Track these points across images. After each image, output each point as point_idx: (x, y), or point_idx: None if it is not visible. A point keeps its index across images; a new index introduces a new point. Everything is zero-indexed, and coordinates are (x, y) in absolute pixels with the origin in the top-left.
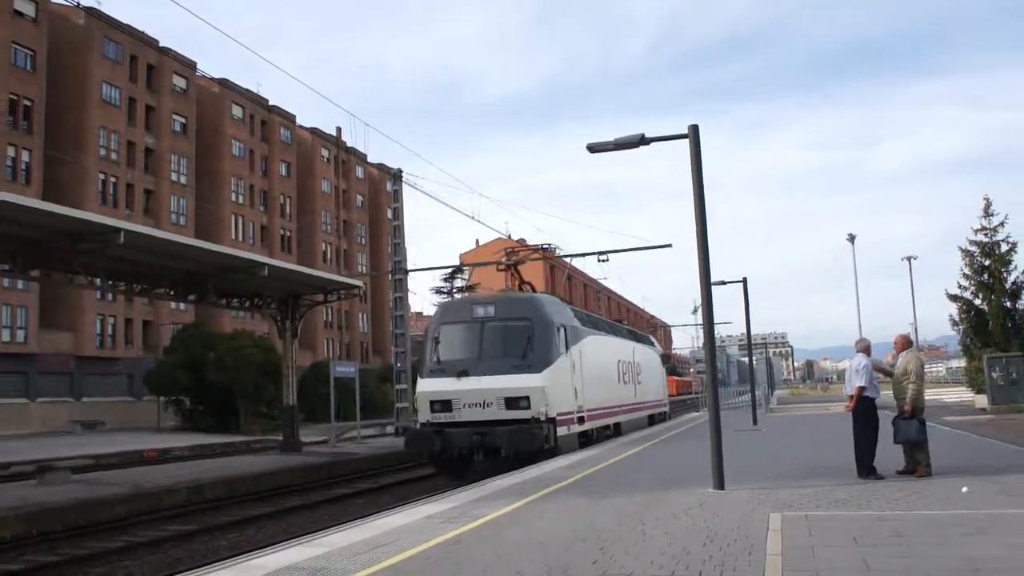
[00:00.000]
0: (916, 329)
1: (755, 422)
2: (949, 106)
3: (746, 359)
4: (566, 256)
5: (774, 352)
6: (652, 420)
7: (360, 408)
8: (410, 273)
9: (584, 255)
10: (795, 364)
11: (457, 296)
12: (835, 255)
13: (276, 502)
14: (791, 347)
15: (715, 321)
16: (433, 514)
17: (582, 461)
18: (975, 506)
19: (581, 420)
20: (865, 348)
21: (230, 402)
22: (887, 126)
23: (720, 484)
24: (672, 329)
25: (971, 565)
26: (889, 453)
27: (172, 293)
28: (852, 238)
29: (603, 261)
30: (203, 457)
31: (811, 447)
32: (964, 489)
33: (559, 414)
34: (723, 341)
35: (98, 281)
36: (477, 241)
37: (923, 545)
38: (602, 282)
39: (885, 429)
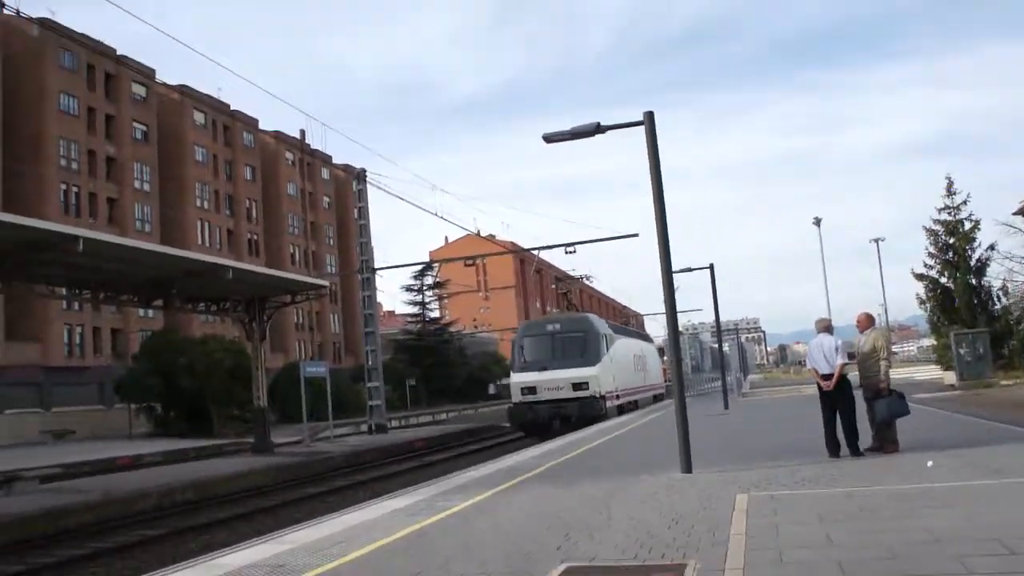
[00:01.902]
0: (886, 309)
1: (726, 407)
2: (911, 89)
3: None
4: (533, 249)
5: (746, 337)
6: (655, 399)
7: (333, 407)
8: (378, 271)
9: (551, 247)
10: (768, 349)
11: (531, 326)
12: (805, 240)
13: (247, 503)
14: (763, 332)
15: (685, 308)
16: (399, 508)
17: (561, 448)
18: (940, 479)
19: (617, 397)
20: (827, 327)
21: (202, 406)
22: (851, 112)
23: (688, 468)
24: (645, 318)
25: (932, 536)
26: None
27: (137, 299)
28: (818, 222)
29: (571, 253)
30: (175, 462)
31: (780, 429)
32: (929, 463)
33: (606, 392)
34: (695, 328)
35: (64, 291)
36: (446, 238)
37: (887, 519)
38: (571, 274)
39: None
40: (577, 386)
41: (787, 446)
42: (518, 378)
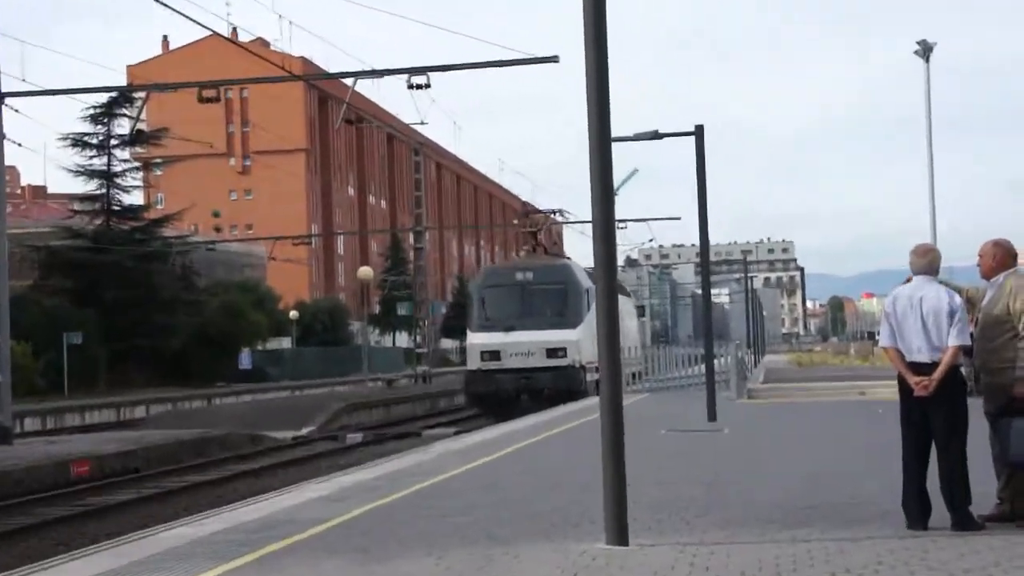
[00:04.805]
0: None
1: (712, 416)
2: None
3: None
4: (345, 75)
5: (767, 279)
6: (633, 377)
7: None
8: (9, 99)
9: (383, 73)
10: (808, 303)
11: (499, 269)
12: (891, 89)
13: None
14: (801, 269)
15: (648, 215)
16: None
17: (400, 471)
18: None
19: (597, 370)
20: (932, 263)
21: None
22: None
23: (621, 537)
24: (564, 229)
25: None
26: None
27: None
28: (926, 50)
29: (421, 87)
30: None
31: (810, 465)
32: None
33: (587, 363)
34: (664, 254)
35: None
36: (165, 41)
37: None
38: (420, 129)
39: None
40: (552, 352)
41: (822, 501)
42: (477, 339)
